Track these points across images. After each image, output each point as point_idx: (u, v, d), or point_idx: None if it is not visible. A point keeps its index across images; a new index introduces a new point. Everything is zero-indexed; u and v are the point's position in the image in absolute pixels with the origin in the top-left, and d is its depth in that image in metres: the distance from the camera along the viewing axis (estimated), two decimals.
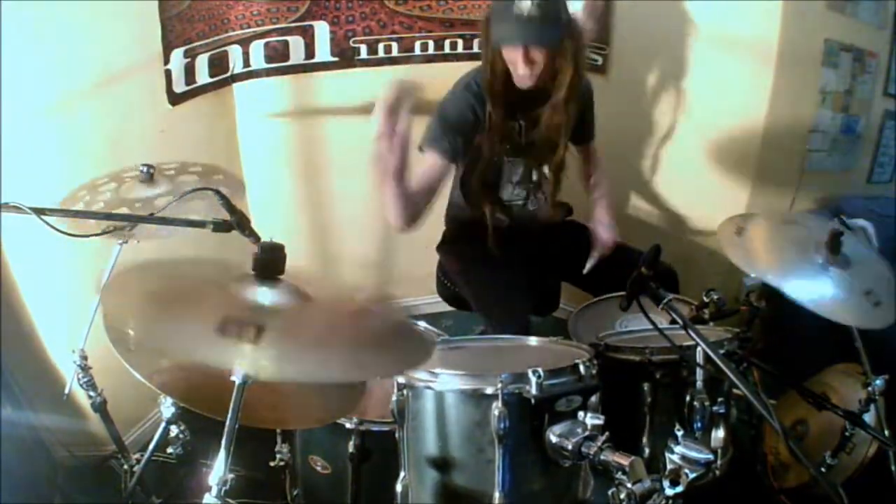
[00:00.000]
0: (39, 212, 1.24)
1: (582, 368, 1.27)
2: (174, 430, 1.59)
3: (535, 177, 2.10)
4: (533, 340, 1.53)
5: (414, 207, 1.77)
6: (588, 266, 2.05)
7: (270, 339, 1.03)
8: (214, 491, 1.09)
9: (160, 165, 1.72)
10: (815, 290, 1.51)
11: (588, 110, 2.16)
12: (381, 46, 2.67)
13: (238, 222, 1.41)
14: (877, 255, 1.73)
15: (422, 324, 1.92)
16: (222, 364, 1.04)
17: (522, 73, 1.86)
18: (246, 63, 2.54)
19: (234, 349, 1.02)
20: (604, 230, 2.08)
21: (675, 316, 1.27)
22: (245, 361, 1.02)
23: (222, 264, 1.28)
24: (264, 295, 1.12)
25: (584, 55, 1.98)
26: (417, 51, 2.70)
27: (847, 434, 1.63)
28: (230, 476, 1.11)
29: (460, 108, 1.93)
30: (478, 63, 2.02)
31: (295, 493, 1.72)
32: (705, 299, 1.44)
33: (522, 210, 2.14)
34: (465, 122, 1.92)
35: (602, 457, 1.14)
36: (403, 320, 1.40)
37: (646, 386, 1.49)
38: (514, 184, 2.10)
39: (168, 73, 2.26)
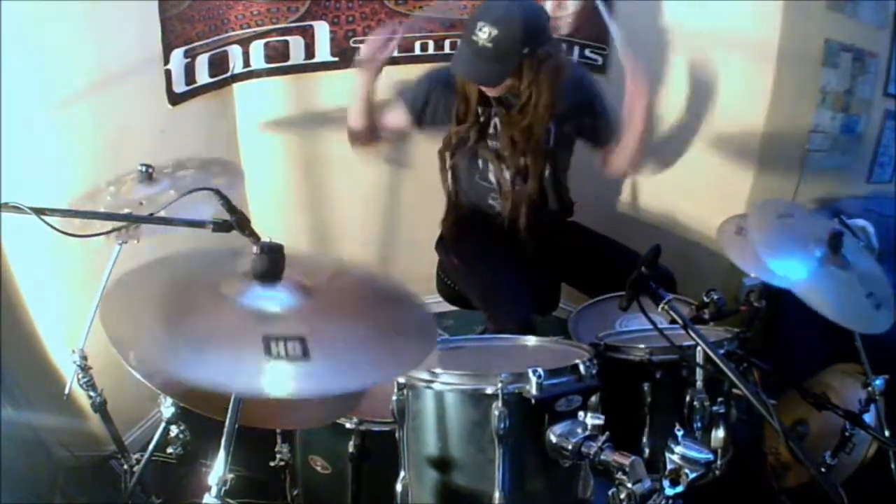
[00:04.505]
0: (39, 212, 1.24)
1: (582, 368, 1.27)
2: (174, 430, 1.59)
3: (513, 171, 2.10)
4: (533, 340, 1.53)
5: (373, 127, 2.10)
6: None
7: (319, 351, 0.98)
8: (214, 491, 1.09)
9: (157, 167, 1.72)
10: (813, 280, 1.51)
11: (588, 115, 2.13)
12: None
13: (238, 222, 1.41)
14: (874, 260, 1.74)
15: None
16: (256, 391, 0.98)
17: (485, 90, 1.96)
18: (246, 63, 2.54)
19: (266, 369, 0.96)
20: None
21: (675, 316, 1.27)
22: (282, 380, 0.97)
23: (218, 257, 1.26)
24: (272, 301, 1.09)
25: (553, 65, 1.94)
26: (417, 51, 2.70)
27: (847, 434, 1.63)
28: (230, 476, 1.11)
29: (418, 88, 2.11)
30: None
31: (295, 493, 1.73)
32: (705, 299, 1.44)
33: (499, 204, 2.16)
34: (418, 101, 2.10)
35: (602, 457, 1.14)
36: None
37: (646, 386, 1.49)
38: (495, 177, 2.13)
39: (168, 73, 2.26)
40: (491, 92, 1.97)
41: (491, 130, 2.06)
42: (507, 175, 2.11)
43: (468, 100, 2.02)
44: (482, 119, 2.04)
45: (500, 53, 1.82)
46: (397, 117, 2.13)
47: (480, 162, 2.13)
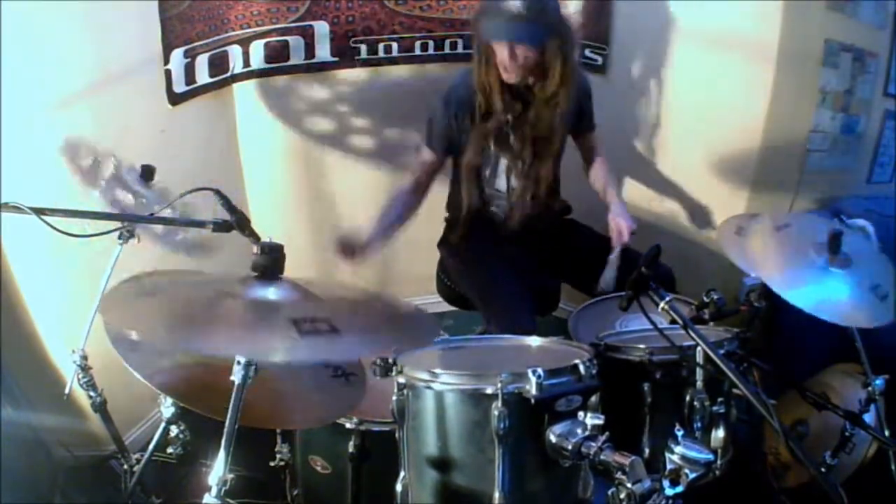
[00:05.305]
0: (39, 212, 1.24)
1: (582, 368, 1.27)
2: (174, 430, 1.59)
3: (526, 169, 2.12)
4: (533, 340, 1.53)
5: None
6: (609, 270, 2.02)
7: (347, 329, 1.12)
8: (214, 491, 1.09)
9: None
10: (821, 294, 1.52)
11: (586, 103, 2.19)
12: (381, 46, 2.67)
13: (238, 222, 1.42)
14: (877, 248, 1.73)
15: None
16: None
17: (508, 69, 1.94)
18: (246, 63, 2.54)
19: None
20: (623, 219, 2.08)
21: (675, 316, 1.27)
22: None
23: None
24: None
25: (573, 53, 2.01)
26: (417, 51, 2.70)
27: (847, 434, 1.63)
28: (230, 476, 1.11)
29: (442, 122, 2.08)
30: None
31: (295, 493, 1.73)
32: (705, 299, 1.44)
33: (514, 201, 2.16)
34: (448, 131, 2.09)
35: (602, 457, 1.13)
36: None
37: (646, 386, 1.49)
38: (507, 176, 2.13)
39: (168, 73, 2.26)
40: (512, 75, 1.96)
41: (507, 126, 2.06)
42: (518, 178, 2.12)
43: (489, 91, 2.00)
44: (502, 116, 2.03)
45: (534, 18, 1.88)
46: (426, 165, 2.15)
47: (486, 164, 2.13)
